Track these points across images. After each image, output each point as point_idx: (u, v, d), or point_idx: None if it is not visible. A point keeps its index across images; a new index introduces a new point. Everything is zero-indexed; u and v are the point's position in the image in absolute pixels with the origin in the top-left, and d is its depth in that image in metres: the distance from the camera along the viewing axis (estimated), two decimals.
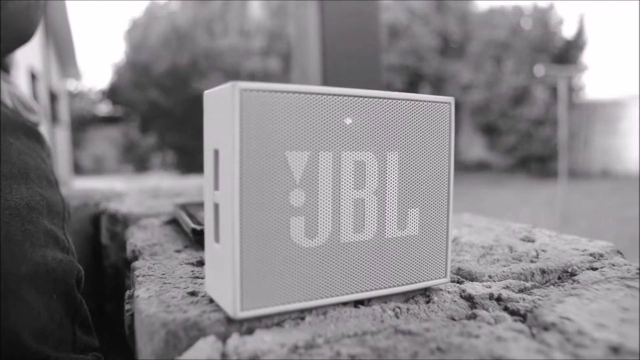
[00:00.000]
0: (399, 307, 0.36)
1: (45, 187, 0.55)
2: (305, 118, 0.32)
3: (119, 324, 0.76)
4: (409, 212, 0.37)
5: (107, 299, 0.82)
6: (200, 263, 0.47)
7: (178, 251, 0.52)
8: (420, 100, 0.37)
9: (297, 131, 0.32)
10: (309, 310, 0.34)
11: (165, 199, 0.99)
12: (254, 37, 10.15)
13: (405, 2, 11.38)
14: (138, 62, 9.77)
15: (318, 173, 0.33)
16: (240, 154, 0.30)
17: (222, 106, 0.31)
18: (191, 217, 0.57)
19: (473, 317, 0.35)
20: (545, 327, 0.32)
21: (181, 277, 0.42)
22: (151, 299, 0.36)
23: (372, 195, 0.35)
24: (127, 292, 0.43)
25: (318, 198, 0.33)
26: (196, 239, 0.52)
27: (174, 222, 0.69)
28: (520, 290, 0.41)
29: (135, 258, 0.52)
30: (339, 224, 0.34)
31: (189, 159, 9.33)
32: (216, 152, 0.33)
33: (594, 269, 0.45)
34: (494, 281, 0.43)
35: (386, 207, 0.36)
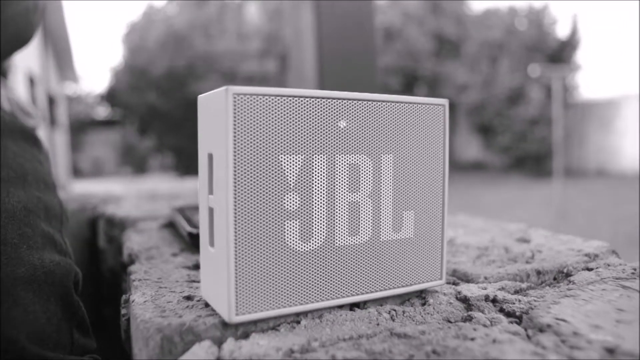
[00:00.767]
0: (395, 310, 0.36)
1: (42, 190, 0.55)
2: (299, 122, 0.32)
3: (116, 327, 0.76)
4: (404, 215, 0.37)
5: (105, 303, 0.82)
6: (196, 267, 0.47)
7: (174, 255, 0.52)
8: (414, 103, 0.37)
9: (291, 135, 0.32)
10: (305, 313, 0.34)
11: (163, 201, 0.99)
12: (250, 39, 10.15)
13: (399, 3, 11.40)
14: (136, 66, 9.76)
15: (312, 177, 0.33)
16: (234, 158, 0.30)
17: (215, 110, 0.31)
18: (188, 220, 0.57)
19: (469, 319, 0.35)
20: (541, 329, 0.32)
21: (177, 281, 0.42)
22: (146, 304, 0.36)
23: (367, 198, 0.35)
24: (123, 297, 0.43)
25: (313, 202, 0.33)
26: (192, 243, 0.52)
27: (171, 226, 0.69)
28: (516, 292, 0.41)
29: (132, 262, 0.52)
30: (334, 227, 0.34)
31: (187, 161, 9.32)
32: (210, 156, 0.33)
33: (590, 270, 0.45)
34: (490, 282, 0.43)
35: (381, 210, 0.36)
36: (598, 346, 0.29)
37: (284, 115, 0.31)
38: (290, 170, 0.32)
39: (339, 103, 0.33)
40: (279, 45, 10.17)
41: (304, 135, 0.32)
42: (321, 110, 0.33)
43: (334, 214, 0.34)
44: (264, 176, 0.31)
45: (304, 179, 0.32)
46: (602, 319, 0.33)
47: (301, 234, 0.32)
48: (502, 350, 0.29)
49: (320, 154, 0.33)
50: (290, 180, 0.32)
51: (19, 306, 0.37)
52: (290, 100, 0.32)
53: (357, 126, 0.34)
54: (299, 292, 0.33)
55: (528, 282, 0.44)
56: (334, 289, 0.34)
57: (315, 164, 0.33)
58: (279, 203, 0.32)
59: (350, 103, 0.34)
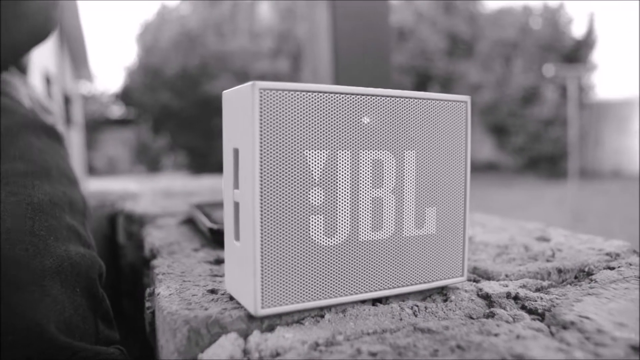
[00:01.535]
0: (417, 306, 0.36)
1: (66, 185, 0.56)
2: (324, 117, 0.32)
3: (135, 320, 0.76)
4: (426, 211, 0.37)
5: (124, 297, 0.83)
6: (218, 261, 0.48)
7: (195, 250, 0.53)
8: (437, 99, 0.37)
9: (315, 130, 0.32)
10: (328, 308, 0.34)
11: (179, 199, 1.00)
12: (262, 38, 10.18)
13: (412, 2, 11.36)
14: (150, 65, 9.83)
15: (337, 172, 0.33)
16: (260, 153, 0.30)
17: (241, 106, 0.32)
18: (207, 216, 0.58)
19: (491, 315, 0.35)
20: (564, 326, 0.32)
21: (200, 275, 0.43)
22: (172, 297, 0.37)
23: (390, 194, 0.35)
24: (148, 290, 0.43)
25: (337, 197, 0.33)
26: (213, 238, 0.53)
27: (189, 222, 0.70)
28: (537, 290, 0.41)
29: (154, 257, 0.53)
30: (358, 223, 0.34)
31: (200, 160, 9.37)
32: (236, 151, 0.33)
33: (611, 269, 0.45)
34: (511, 280, 0.43)
35: (404, 206, 0.36)
36: (623, 344, 0.29)
37: (309, 110, 0.32)
38: (315, 165, 0.32)
39: (363, 99, 0.34)
40: (291, 44, 10.18)
41: (329, 131, 0.32)
42: (345, 106, 0.33)
43: (358, 209, 0.34)
44: (289, 171, 0.31)
45: (329, 174, 0.33)
46: (626, 317, 0.33)
47: (326, 229, 0.33)
48: (526, 346, 0.29)
49: (345, 149, 0.33)
50: (315, 175, 0.32)
51: (48, 296, 0.38)
52: (315, 95, 0.32)
53: (380, 122, 0.35)
54: (323, 286, 0.33)
55: (549, 280, 0.43)
56: (357, 283, 0.34)
57: (340, 160, 0.33)
58: (304, 198, 0.32)
59: (373, 99, 0.34)
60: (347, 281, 0.34)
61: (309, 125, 0.32)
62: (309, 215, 0.32)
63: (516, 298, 0.38)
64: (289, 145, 0.31)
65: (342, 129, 0.33)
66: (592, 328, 0.31)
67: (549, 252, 0.50)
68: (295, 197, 0.32)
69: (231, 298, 0.36)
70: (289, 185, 0.31)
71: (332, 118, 0.33)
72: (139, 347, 0.66)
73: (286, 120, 0.31)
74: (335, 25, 1.16)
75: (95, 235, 0.60)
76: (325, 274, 0.33)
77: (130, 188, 1.25)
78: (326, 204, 0.33)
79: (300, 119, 0.31)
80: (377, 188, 0.35)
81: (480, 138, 11.88)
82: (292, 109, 0.31)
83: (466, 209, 0.39)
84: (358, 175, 0.34)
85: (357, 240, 0.34)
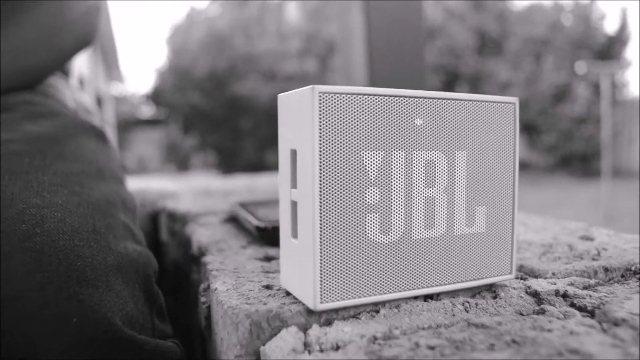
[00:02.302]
0: (468, 302, 0.37)
1: (117, 184, 0.58)
2: (379, 119, 0.33)
3: (177, 316, 0.79)
4: (476, 210, 0.38)
5: (167, 294, 0.85)
6: (267, 258, 0.49)
7: (243, 247, 0.54)
8: (486, 101, 0.38)
9: (372, 132, 0.33)
10: (383, 303, 0.35)
11: (218, 198, 1.02)
12: (290, 39, 10.23)
13: (441, 2, 11.27)
14: (179, 66, 9.98)
15: (392, 172, 0.34)
16: (320, 154, 0.32)
17: (300, 109, 0.33)
18: (252, 215, 0.59)
19: (541, 312, 0.36)
20: (616, 323, 0.33)
21: (252, 272, 0.44)
22: (230, 292, 0.38)
23: (442, 193, 0.36)
24: (202, 286, 0.45)
25: (392, 196, 0.34)
26: (260, 236, 0.54)
27: (232, 220, 0.72)
28: (585, 288, 0.41)
29: (202, 254, 0.54)
30: (411, 221, 0.35)
31: (229, 159, 9.48)
32: (293, 152, 0.35)
33: None
34: (558, 278, 0.43)
35: (455, 205, 0.37)
36: None
37: (366, 112, 0.33)
38: (371, 165, 0.33)
39: (416, 101, 0.35)
40: (318, 44, 10.20)
41: (384, 132, 0.34)
42: (399, 108, 0.34)
43: (411, 208, 0.35)
44: (347, 171, 0.33)
45: (384, 174, 0.34)
46: None
47: (381, 227, 0.34)
48: (580, 341, 0.30)
49: (399, 150, 0.34)
50: (371, 175, 0.33)
51: (112, 291, 0.40)
52: (371, 98, 0.33)
53: (433, 124, 0.35)
54: (378, 282, 0.34)
55: (596, 279, 0.44)
56: (410, 280, 0.35)
57: (394, 160, 0.34)
58: (360, 197, 0.33)
59: (425, 101, 0.35)
60: (400, 277, 0.35)
61: (365, 127, 0.33)
62: (366, 214, 0.33)
63: (565, 295, 0.39)
64: (346, 146, 0.32)
65: (396, 131, 0.34)
66: None
67: (594, 251, 0.50)
68: (352, 196, 0.33)
69: (287, 293, 0.37)
70: (346, 185, 0.33)
71: (386, 120, 0.34)
72: (180, 341, 0.68)
73: (344, 122, 0.32)
74: (369, 27, 1.16)
75: None
76: (381, 271, 0.34)
77: (168, 187, 1.27)
78: (381, 203, 0.34)
79: (357, 121, 0.33)
80: (430, 187, 0.36)
81: None
82: (350, 112, 0.32)
83: (514, 208, 0.40)
84: (411, 175, 0.35)
85: (411, 237, 0.35)
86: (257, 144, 9.54)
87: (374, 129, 0.33)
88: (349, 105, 0.32)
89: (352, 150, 0.33)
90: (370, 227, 0.34)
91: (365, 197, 0.33)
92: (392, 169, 0.34)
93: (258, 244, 0.55)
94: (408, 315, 0.34)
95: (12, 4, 0.61)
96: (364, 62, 1.20)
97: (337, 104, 0.32)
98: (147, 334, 0.42)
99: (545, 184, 8.57)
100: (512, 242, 0.40)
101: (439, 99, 0.36)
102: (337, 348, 0.30)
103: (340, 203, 0.33)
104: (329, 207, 0.32)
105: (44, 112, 0.60)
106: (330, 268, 0.33)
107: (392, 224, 0.34)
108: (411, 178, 0.35)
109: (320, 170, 0.32)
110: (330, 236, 0.32)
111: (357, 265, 0.33)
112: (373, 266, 0.34)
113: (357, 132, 0.33)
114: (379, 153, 0.33)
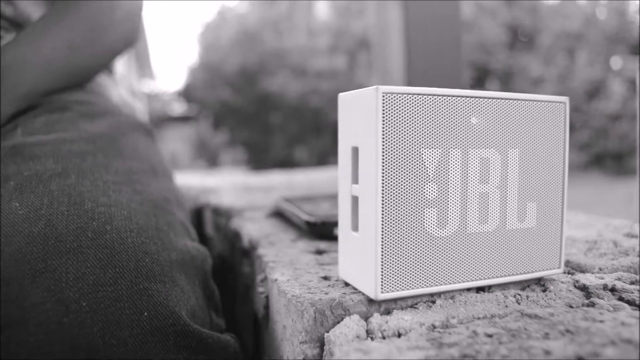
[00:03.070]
0: (519, 294, 0.38)
1: (169, 181, 0.60)
2: (437, 118, 0.35)
3: (225, 309, 0.81)
4: (527, 206, 0.39)
5: None
6: (319, 252, 0.51)
7: (293, 241, 0.56)
8: (537, 100, 0.39)
9: (431, 130, 0.35)
10: (439, 294, 0.37)
11: (259, 193, 1.05)
12: (319, 35, 10.25)
13: None
14: (210, 63, 10.10)
15: (449, 168, 0.36)
16: (383, 152, 0.34)
17: (362, 108, 0.35)
18: (301, 210, 0.61)
19: (591, 305, 0.37)
20: None
21: (307, 264, 0.46)
22: (290, 282, 0.40)
23: (495, 189, 0.38)
24: (259, 277, 0.47)
25: (449, 191, 0.36)
26: (310, 230, 0.56)
27: (277, 215, 0.74)
28: (632, 283, 0.42)
29: (254, 247, 0.57)
30: (466, 216, 0.37)
31: (258, 155, 9.56)
32: (355, 150, 0.37)
33: None
34: (605, 273, 0.44)
35: (507, 201, 0.38)
36: None
37: (425, 111, 0.35)
38: (430, 162, 0.35)
39: (471, 101, 0.36)
40: (348, 40, 10.19)
41: (442, 131, 0.35)
42: (456, 107, 0.36)
43: (467, 203, 0.36)
44: (407, 167, 0.34)
45: (442, 170, 0.35)
46: None
47: (438, 221, 0.36)
48: (632, 331, 0.31)
49: (456, 147, 0.36)
50: (430, 172, 0.35)
51: (177, 286, 0.42)
52: (431, 98, 0.35)
53: (486, 122, 0.37)
54: (435, 274, 0.36)
55: None
56: (464, 272, 0.37)
57: (451, 157, 0.36)
58: (419, 192, 0.35)
59: (480, 101, 0.37)
60: (456, 270, 0.37)
61: (425, 125, 0.35)
62: (424, 208, 0.35)
63: (613, 290, 0.40)
64: (407, 143, 0.34)
65: (453, 129, 0.36)
66: None
67: None
68: (412, 191, 0.35)
69: (346, 284, 0.39)
70: (406, 181, 0.34)
71: (444, 118, 0.35)
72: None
73: (405, 121, 0.34)
74: (407, 23, 1.17)
75: None
76: (437, 263, 0.36)
77: (207, 183, 1.31)
78: (439, 198, 0.35)
79: (417, 120, 0.34)
80: (484, 184, 0.37)
81: None
82: (411, 111, 0.34)
83: (564, 205, 0.41)
84: (467, 171, 0.36)
85: (466, 231, 0.37)
86: (286, 140, 9.59)
87: (432, 127, 0.35)
88: (410, 104, 0.34)
89: (412, 147, 0.34)
90: (429, 221, 0.35)
91: (425, 192, 0.35)
92: (449, 165, 0.36)
93: (307, 237, 0.57)
94: (463, 305, 0.36)
95: (65, 4, 0.63)
96: (401, 59, 1.21)
97: (399, 104, 0.34)
98: (206, 328, 0.44)
99: (578, 183, 8.41)
100: (561, 237, 0.41)
101: (493, 98, 0.37)
102: (399, 335, 0.32)
103: (401, 198, 0.34)
104: (390, 202, 0.34)
105: (99, 111, 0.62)
106: (390, 260, 0.34)
107: (448, 218, 0.36)
108: (467, 174, 0.36)
109: (383, 166, 0.34)
110: (391, 229, 0.34)
111: (416, 257, 0.35)
112: (430, 258, 0.36)
113: (417, 130, 0.34)
114: (437, 150, 0.35)
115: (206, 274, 0.48)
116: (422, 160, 0.35)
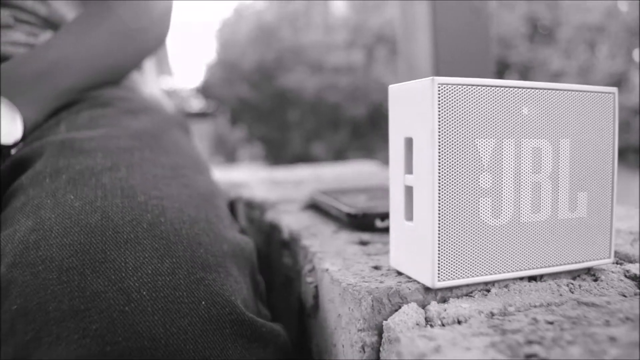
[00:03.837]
0: (572, 283, 0.39)
1: (209, 176, 0.61)
2: (491, 108, 0.35)
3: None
4: (578, 196, 0.39)
5: None
6: (363, 242, 0.52)
7: (335, 232, 0.57)
8: (587, 91, 0.39)
9: (485, 120, 0.35)
10: (493, 283, 0.37)
11: (289, 187, 1.05)
12: (336, 31, 10.24)
13: None
14: (228, 60, 10.16)
15: (502, 159, 0.36)
16: (439, 142, 0.34)
17: (417, 99, 0.35)
18: (340, 202, 0.62)
19: None
20: None
21: (355, 254, 0.47)
22: (342, 272, 0.41)
23: (547, 179, 0.38)
24: (307, 267, 0.48)
25: (502, 181, 0.36)
26: (351, 222, 0.57)
27: (312, 207, 0.74)
28: None
29: (294, 239, 0.57)
30: (520, 205, 0.37)
31: (276, 151, 9.60)
32: (409, 140, 0.37)
33: None
34: None
35: (559, 191, 0.38)
36: None
37: (480, 102, 0.35)
38: (484, 152, 0.35)
39: (523, 92, 0.36)
40: (365, 35, 10.17)
41: (495, 121, 0.36)
42: (508, 98, 0.36)
43: (520, 192, 0.37)
44: (462, 157, 0.35)
45: (496, 160, 0.36)
46: None
47: (493, 210, 0.36)
48: None
49: (509, 138, 0.36)
50: (484, 162, 0.35)
51: (231, 277, 0.43)
52: (485, 89, 0.35)
53: (538, 113, 0.37)
54: (489, 262, 0.36)
55: None
56: (518, 261, 0.37)
57: (505, 147, 0.36)
58: (474, 182, 0.35)
59: (530, 91, 0.37)
60: (509, 258, 0.37)
61: (479, 116, 0.35)
62: (479, 198, 0.35)
63: None
64: (462, 134, 0.35)
65: (506, 119, 0.36)
66: None
67: None
68: (467, 181, 0.35)
69: (399, 273, 0.40)
70: (462, 170, 0.35)
71: (497, 109, 0.36)
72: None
73: (460, 112, 0.34)
74: (435, 18, 1.17)
75: None
76: (492, 252, 0.36)
77: (236, 177, 1.32)
78: (493, 188, 0.36)
79: (472, 110, 0.35)
80: (536, 173, 0.37)
81: None
82: (465, 101, 0.34)
83: (613, 195, 0.41)
84: (520, 161, 0.37)
85: (519, 221, 0.37)
86: (304, 135, 9.61)
87: (486, 117, 0.35)
88: (466, 95, 0.35)
89: (467, 137, 0.35)
90: (484, 210, 0.36)
91: (479, 182, 0.35)
92: (503, 155, 0.36)
93: (348, 229, 0.58)
94: (518, 294, 0.36)
95: (108, 5, 0.65)
96: (428, 52, 1.21)
97: (455, 94, 0.34)
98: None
99: None
100: (611, 227, 0.41)
101: (544, 89, 0.37)
102: (459, 322, 0.33)
103: (457, 187, 0.35)
104: (446, 191, 0.34)
105: (139, 107, 0.63)
106: (446, 248, 0.35)
107: (502, 208, 0.36)
108: (520, 164, 0.37)
109: (439, 156, 0.34)
110: (447, 218, 0.35)
111: (471, 246, 0.36)
112: (485, 247, 0.36)
113: (471, 120, 0.35)
114: (491, 141, 0.35)
115: (253, 265, 0.49)
116: (477, 150, 0.35)
